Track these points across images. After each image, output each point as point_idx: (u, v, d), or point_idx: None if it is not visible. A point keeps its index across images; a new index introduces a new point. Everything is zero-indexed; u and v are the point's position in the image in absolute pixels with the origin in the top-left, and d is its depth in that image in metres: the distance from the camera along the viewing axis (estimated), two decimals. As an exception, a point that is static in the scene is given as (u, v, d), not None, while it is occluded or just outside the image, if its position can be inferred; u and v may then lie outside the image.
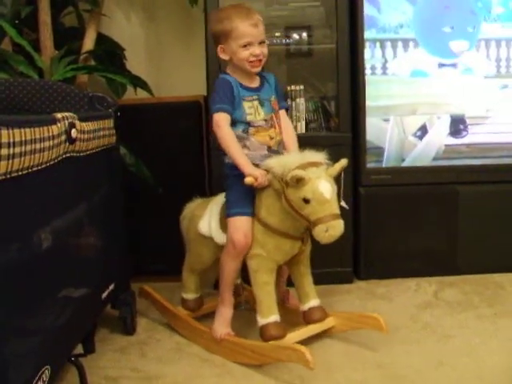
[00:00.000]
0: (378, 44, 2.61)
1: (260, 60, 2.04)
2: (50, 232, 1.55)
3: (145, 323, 2.34)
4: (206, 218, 2.15)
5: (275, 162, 1.93)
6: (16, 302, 1.39)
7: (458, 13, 2.62)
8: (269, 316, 1.96)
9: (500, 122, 2.68)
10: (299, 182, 1.82)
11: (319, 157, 1.92)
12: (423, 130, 2.67)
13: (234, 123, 2.03)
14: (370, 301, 2.48)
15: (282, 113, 2.19)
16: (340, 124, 2.59)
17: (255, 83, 2.11)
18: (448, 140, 2.68)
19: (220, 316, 2.10)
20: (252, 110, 2.06)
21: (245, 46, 2.01)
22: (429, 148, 2.68)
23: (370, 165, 2.65)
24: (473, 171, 2.67)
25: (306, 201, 1.83)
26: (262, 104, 2.08)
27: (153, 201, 2.65)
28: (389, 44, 2.61)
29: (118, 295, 2.17)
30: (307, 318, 2.09)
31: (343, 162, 1.94)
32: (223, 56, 2.08)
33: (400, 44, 2.61)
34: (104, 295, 2.04)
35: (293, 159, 1.91)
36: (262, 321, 1.97)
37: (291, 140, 2.16)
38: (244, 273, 2.14)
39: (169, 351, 2.11)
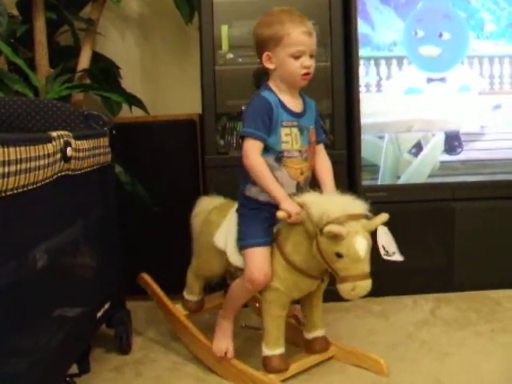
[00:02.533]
0: (372, 62, 2.62)
1: (309, 74, 1.89)
2: (44, 251, 1.55)
3: (140, 342, 2.32)
4: (223, 230, 2.04)
5: (314, 203, 1.79)
6: (10, 322, 1.38)
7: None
8: (275, 349, 1.93)
9: (494, 138, 2.69)
10: (336, 237, 1.71)
11: (360, 208, 1.79)
12: (418, 147, 2.68)
13: (265, 149, 1.88)
14: (366, 319, 2.46)
15: (320, 147, 2.05)
16: (335, 141, 2.59)
17: (298, 107, 1.95)
18: (443, 157, 2.69)
19: (221, 332, 2.05)
20: (289, 137, 1.89)
21: (296, 56, 1.86)
22: (424, 165, 2.69)
23: (365, 182, 2.65)
24: (468, 188, 2.67)
25: (339, 256, 1.73)
26: (301, 132, 1.92)
27: (148, 219, 2.64)
28: (383, 62, 2.62)
29: (113, 314, 2.16)
30: (310, 348, 2.06)
31: (383, 216, 1.82)
32: (268, 65, 1.90)
33: (394, 61, 2.62)
34: (99, 314, 2.02)
35: (333, 207, 1.76)
36: (267, 352, 1.93)
37: (329, 177, 2.01)
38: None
39: (165, 371, 2.09)
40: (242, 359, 2.03)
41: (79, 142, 1.76)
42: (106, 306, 2.08)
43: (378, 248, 1.81)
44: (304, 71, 1.87)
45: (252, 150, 1.85)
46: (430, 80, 2.65)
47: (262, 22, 1.93)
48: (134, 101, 2.70)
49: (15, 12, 2.67)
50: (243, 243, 1.92)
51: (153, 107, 2.88)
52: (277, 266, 1.90)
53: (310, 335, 2.07)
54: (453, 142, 2.68)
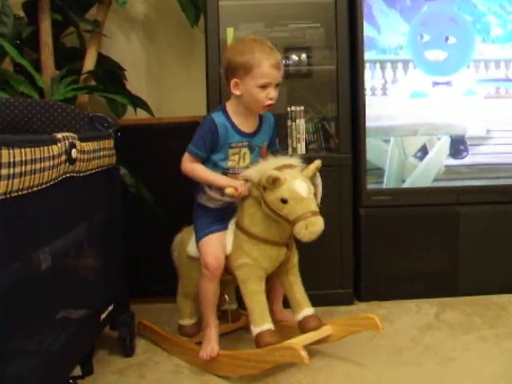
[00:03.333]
0: (377, 65, 2.61)
1: (271, 105, 1.99)
2: (49, 252, 1.54)
3: (144, 344, 2.31)
4: (193, 240, 2.15)
5: (252, 170, 1.96)
6: (14, 324, 1.37)
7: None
8: (262, 324, 1.96)
9: (500, 142, 2.68)
10: (275, 182, 1.87)
11: (294, 160, 1.98)
12: (423, 151, 2.67)
13: (214, 165, 2.04)
14: (370, 322, 2.45)
15: (268, 155, 2.13)
16: (340, 145, 2.59)
17: (252, 127, 2.07)
18: (448, 161, 2.68)
19: (207, 340, 2.08)
20: (236, 156, 2.04)
21: (262, 86, 1.94)
22: (429, 169, 2.68)
23: (370, 186, 2.65)
24: (473, 192, 2.66)
25: (284, 201, 1.87)
26: (251, 151, 2.06)
27: (152, 221, 2.64)
28: (389, 65, 2.62)
29: (117, 316, 2.15)
30: (302, 328, 2.06)
31: (317, 162, 1.99)
32: (235, 91, 1.99)
33: (400, 65, 2.62)
34: (103, 316, 2.02)
35: (268, 164, 1.94)
36: (255, 330, 1.96)
37: None
38: (240, 299, 2.11)
39: (168, 373, 2.09)
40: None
41: (84, 144, 1.76)
42: (110, 308, 2.08)
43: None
44: (268, 102, 1.98)
45: (187, 162, 2.03)
46: (435, 84, 2.64)
47: (235, 49, 2.03)
48: (139, 103, 2.70)
49: (21, 13, 2.68)
50: (197, 237, 2.08)
51: (158, 109, 2.88)
52: (240, 242, 2.02)
53: (299, 316, 2.07)
54: (458, 146, 2.67)
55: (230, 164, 2.03)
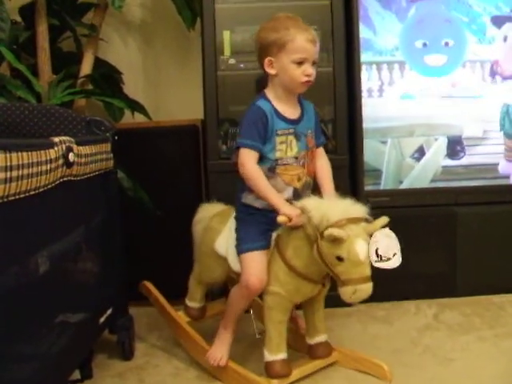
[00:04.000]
0: (374, 66, 2.62)
1: (309, 81, 1.89)
2: (46, 256, 1.54)
3: (143, 348, 2.31)
4: (224, 236, 2.05)
5: (314, 207, 1.78)
6: (12, 328, 1.37)
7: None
8: (277, 354, 1.92)
9: (497, 142, 2.69)
10: (336, 240, 1.71)
11: (360, 211, 1.79)
12: (420, 152, 2.68)
13: (260, 158, 1.89)
14: (369, 324, 2.46)
15: (320, 151, 2.06)
16: (337, 146, 2.59)
17: (295, 113, 1.96)
18: (445, 161, 2.68)
19: (219, 340, 2.05)
20: (284, 145, 1.90)
21: (298, 62, 1.85)
22: (426, 170, 2.68)
23: (367, 187, 2.65)
24: (471, 192, 2.67)
25: (340, 259, 1.72)
26: (297, 138, 1.93)
27: (150, 225, 2.64)
28: (385, 66, 2.62)
29: (115, 320, 2.15)
30: (313, 353, 2.05)
31: (383, 220, 1.80)
32: (269, 70, 1.89)
33: (396, 66, 2.62)
34: (102, 320, 2.02)
35: (333, 211, 1.76)
36: (269, 357, 1.93)
37: (327, 180, 2.02)
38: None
39: (167, 376, 2.09)
40: (242, 365, 2.03)
41: (81, 148, 1.76)
42: (109, 311, 2.08)
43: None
44: (305, 79, 1.87)
45: (248, 160, 1.86)
46: (428, 84, 2.65)
47: (267, 27, 1.92)
48: (136, 106, 2.70)
49: (18, 18, 2.68)
50: (240, 248, 1.93)
51: (155, 113, 2.88)
52: (278, 270, 1.90)
53: (312, 340, 2.06)
54: (455, 146, 2.68)
55: (278, 155, 1.89)
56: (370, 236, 1.74)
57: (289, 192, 1.92)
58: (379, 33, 2.61)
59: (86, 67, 2.67)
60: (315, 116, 2.05)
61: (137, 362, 2.20)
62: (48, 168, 1.49)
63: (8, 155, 1.29)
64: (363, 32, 2.58)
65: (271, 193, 1.85)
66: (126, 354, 2.20)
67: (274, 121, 1.89)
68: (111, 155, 2.10)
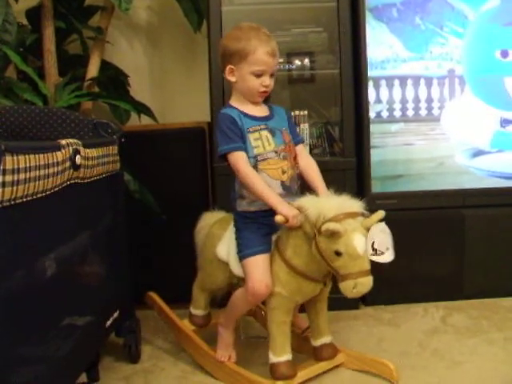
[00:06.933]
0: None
1: (266, 92, 1.95)
2: (53, 259, 1.54)
3: (149, 351, 2.31)
4: (225, 242, 2.06)
5: (310, 205, 1.80)
6: (19, 331, 1.37)
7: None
8: (282, 355, 1.92)
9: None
10: (333, 234, 1.73)
11: (356, 206, 1.81)
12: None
13: None
14: (376, 327, 2.45)
15: (300, 148, 2.06)
16: (344, 149, 2.59)
17: (262, 112, 2.00)
18: (454, 163, 2.66)
19: (223, 342, 2.09)
20: (259, 141, 1.92)
21: (257, 74, 1.90)
22: (435, 172, 2.67)
23: (375, 190, 2.64)
24: (479, 195, 2.65)
25: (338, 254, 1.73)
26: (272, 134, 1.96)
27: (157, 227, 2.64)
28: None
29: (122, 323, 2.15)
30: (318, 355, 2.05)
31: (380, 214, 1.80)
32: (230, 77, 1.95)
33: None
34: (108, 323, 2.02)
35: (329, 207, 1.77)
36: (273, 358, 1.92)
37: (317, 177, 2.02)
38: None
39: (173, 380, 2.08)
40: (249, 368, 2.02)
41: (88, 150, 1.76)
42: (115, 314, 2.07)
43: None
44: (262, 89, 1.93)
45: (240, 163, 1.89)
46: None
47: (231, 36, 1.97)
48: (142, 109, 2.70)
49: (24, 21, 2.69)
50: (241, 254, 1.94)
51: (161, 115, 2.88)
52: (279, 271, 1.91)
53: (317, 342, 2.06)
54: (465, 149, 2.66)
55: (256, 151, 1.91)
56: (367, 230, 1.76)
57: (278, 187, 1.93)
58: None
59: (93, 70, 2.67)
60: (288, 118, 2.09)
61: (143, 365, 2.20)
62: (55, 171, 1.49)
63: (15, 158, 1.29)
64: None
65: (269, 192, 1.87)
66: (133, 357, 2.19)
67: (244, 121, 1.93)
68: (118, 158, 2.09)
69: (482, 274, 2.67)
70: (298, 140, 2.08)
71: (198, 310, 2.28)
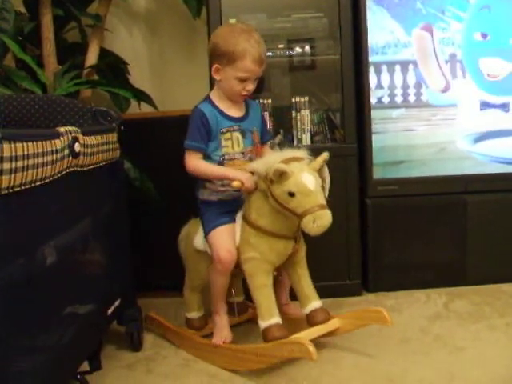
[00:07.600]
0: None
1: (247, 95, 2.04)
2: (53, 247, 1.54)
3: (151, 339, 2.31)
4: (199, 233, 2.13)
5: (258, 163, 1.96)
6: (20, 319, 1.37)
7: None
8: (270, 318, 1.95)
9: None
10: (282, 176, 1.85)
11: (301, 153, 1.96)
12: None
13: (208, 157, 2.03)
14: (379, 313, 2.44)
15: (266, 148, 2.17)
16: (345, 135, 2.57)
17: (239, 112, 2.08)
18: (456, 149, 2.65)
19: (218, 327, 2.11)
20: (229, 142, 2.03)
21: (241, 79, 1.98)
22: (437, 158, 2.66)
23: (376, 175, 2.63)
24: (481, 180, 2.64)
25: (291, 194, 1.85)
26: (243, 135, 2.05)
27: (158, 215, 2.63)
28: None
29: (124, 311, 2.15)
30: (310, 321, 2.05)
31: (325, 155, 1.96)
32: (215, 75, 2.02)
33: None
34: (110, 311, 2.02)
35: (274, 157, 1.94)
36: (263, 324, 1.95)
37: None
38: (247, 291, 2.10)
39: (176, 367, 2.08)
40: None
41: (87, 138, 1.75)
42: (117, 302, 2.07)
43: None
44: (244, 93, 2.02)
45: (191, 160, 2.01)
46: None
47: (222, 34, 2.01)
48: (142, 97, 2.69)
49: (22, 9, 2.67)
50: (205, 231, 2.06)
51: (161, 103, 2.86)
52: (248, 236, 2.00)
53: (306, 309, 2.07)
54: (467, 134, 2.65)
55: (224, 150, 2.02)
56: (314, 171, 1.92)
57: None
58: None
59: (92, 58, 2.66)
60: (261, 114, 2.18)
61: (145, 353, 2.20)
62: (54, 158, 1.48)
63: (13, 145, 1.28)
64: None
65: (219, 169, 2.01)
66: (135, 345, 2.19)
67: (218, 120, 2.02)
68: (117, 145, 2.09)
69: (485, 260, 2.66)
70: (266, 139, 2.19)
71: (192, 313, 2.29)
